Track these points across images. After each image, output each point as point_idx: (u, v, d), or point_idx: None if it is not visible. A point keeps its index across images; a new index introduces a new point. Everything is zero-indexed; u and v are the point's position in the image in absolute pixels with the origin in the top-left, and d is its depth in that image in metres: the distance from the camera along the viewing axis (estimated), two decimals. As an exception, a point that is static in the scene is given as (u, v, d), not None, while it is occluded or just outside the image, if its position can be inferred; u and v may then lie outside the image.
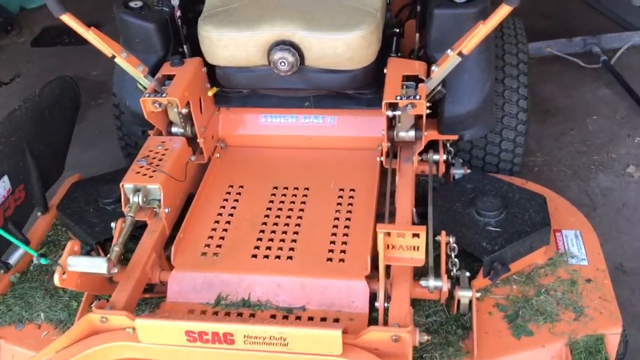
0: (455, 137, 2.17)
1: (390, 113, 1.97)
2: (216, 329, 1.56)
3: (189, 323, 1.57)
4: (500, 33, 2.48)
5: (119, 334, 1.66)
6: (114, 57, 2.01)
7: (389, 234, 1.63)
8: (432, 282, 1.78)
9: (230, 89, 2.25)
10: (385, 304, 1.72)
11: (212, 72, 2.23)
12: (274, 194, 2.14)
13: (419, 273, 1.85)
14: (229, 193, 2.16)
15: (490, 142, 2.38)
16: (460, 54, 1.86)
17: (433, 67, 1.96)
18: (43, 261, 1.72)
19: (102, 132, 3.41)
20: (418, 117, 2.05)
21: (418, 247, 1.64)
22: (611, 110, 3.28)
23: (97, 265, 1.65)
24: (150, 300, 1.99)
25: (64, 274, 1.63)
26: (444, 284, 1.77)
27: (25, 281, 2.12)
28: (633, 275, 2.40)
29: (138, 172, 1.96)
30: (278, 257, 1.92)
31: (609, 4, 4.00)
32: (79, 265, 1.65)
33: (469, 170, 2.25)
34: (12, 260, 2.13)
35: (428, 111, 1.99)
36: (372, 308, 1.82)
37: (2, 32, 4.45)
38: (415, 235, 1.62)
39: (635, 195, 2.76)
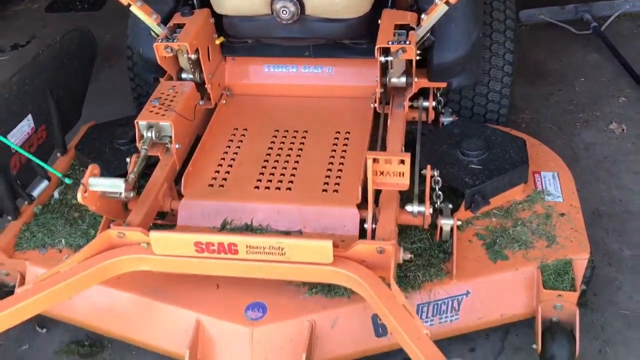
0: (444, 85, 2.34)
1: (382, 59, 2.15)
2: (222, 240, 1.76)
3: (197, 235, 1.77)
4: (488, -9, 2.64)
5: (135, 247, 1.86)
6: (129, 5, 2.19)
7: (377, 160, 1.81)
8: (416, 207, 1.96)
9: (236, 38, 2.43)
10: (373, 226, 1.91)
11: (219, 24, 2.41)
12: (275, 136, 2.33)
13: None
14: (234, 135, 2.35)
15: (478, 94, 2.55)
16: (447, 2, 2.03)
17: (423, 16, 2.13)
18: (67, 181, 1.90)
19: (114, 90, 3.59)
20: (409, 64, 2.22)
21: (403, 173, 1.82)
22: (599, 73, 3.44)
23: (115, 185, 1.84)
24: (162, 227, 2.18)
25: (85, 192, 1.83)
26: (427, 209, 1.95)
27: (47, 212, 2.32)
28: (607, 219, 2.58)
29: (151, 111, 2.15)
30: (278, 188, 2.11)
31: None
32: (99, 185, 1.84)
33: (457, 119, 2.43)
34: (35, 192, 2.32)
35: (418, 58, 2.16)
36: (362, 234, 2.01)
37: (17, -1, 4.63)
38: (401, 161, 1.81)
39: (616, 149, 2.93)
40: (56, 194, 2.39)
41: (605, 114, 3.15)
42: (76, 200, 2.36)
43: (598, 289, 2.30)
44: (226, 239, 1.75)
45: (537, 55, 3.62)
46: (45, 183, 2.36)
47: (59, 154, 2.52)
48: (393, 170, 1.83)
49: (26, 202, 2.30)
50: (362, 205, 2.04)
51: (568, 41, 3.70)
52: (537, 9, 3.81)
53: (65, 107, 2.46)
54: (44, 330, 2.32)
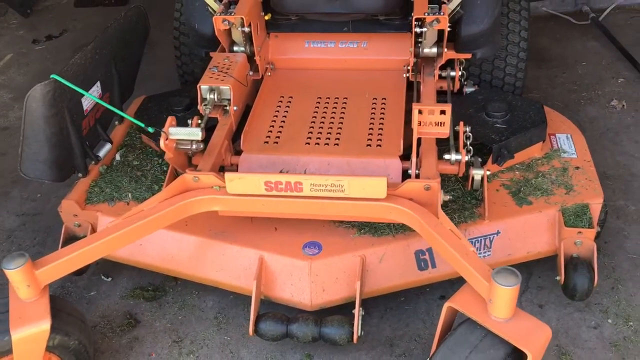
0: (469, 56, 2.62)
1: (418, 29, 2.42)
2: (289, 179, 2.00)
3: (267, 175, 2.02)
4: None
5: (208, 190, 2.10)
6: (191, -17, 2.45)
7: (421, 111, 2.07)
8: (453, 156, 2.23)
9: (281, 15, 2.69)
10: (417, 171, 2.17)
11: (265, 2, 2.67)
12: (318, 102, 2.58)
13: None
14: (281, 101, 2.60)
15: (497, 67, 2.83)
16: (476, -21, 2.31)
17: (454, -9, 2.41)
18: (150, 129, 2.14)
19: (149, 76, 3.83)
20: (440, 36, 2.49)
21: (444, 122, 2.09)
22: (598, 58, 3.75)
23: (194, 133, 2.09)
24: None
25: (166, 139, 2.07)
26: (463, 157, 2.22)
27: (112, 171, 2.56)
28: (614, 180, 2.86)
29: (211, 77, 2.40)
30: (327, 143, 2.35)
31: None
32: (179, 133, 2.09)
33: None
34: (101, 153, 2.55)
35: (448, 29, 2.43)
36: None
37: (46, -6, 4.87)
38: (442, 112, 2.07)
39: (617, 122, 3.23)
40: (118, 156, 2.63)
41: (606, 93, 3.45)
42: (137, 161, 2.63)
43: (608, 237, 2.58)
44: (293, 178, 2.00)
45: (542, 42, 3.93)
46: (108, 146, 2.59)
47: (116, 122, 2.75)
48: (435, 120, 2.09)
49: (93, 162, 2.53)
50: (402, 157, 2.30)
51: (569, 30, 4.02)
52: (540, 2, 4.14)
53: (124, 80, 2.70)
54: (109, 279, 2.55)
